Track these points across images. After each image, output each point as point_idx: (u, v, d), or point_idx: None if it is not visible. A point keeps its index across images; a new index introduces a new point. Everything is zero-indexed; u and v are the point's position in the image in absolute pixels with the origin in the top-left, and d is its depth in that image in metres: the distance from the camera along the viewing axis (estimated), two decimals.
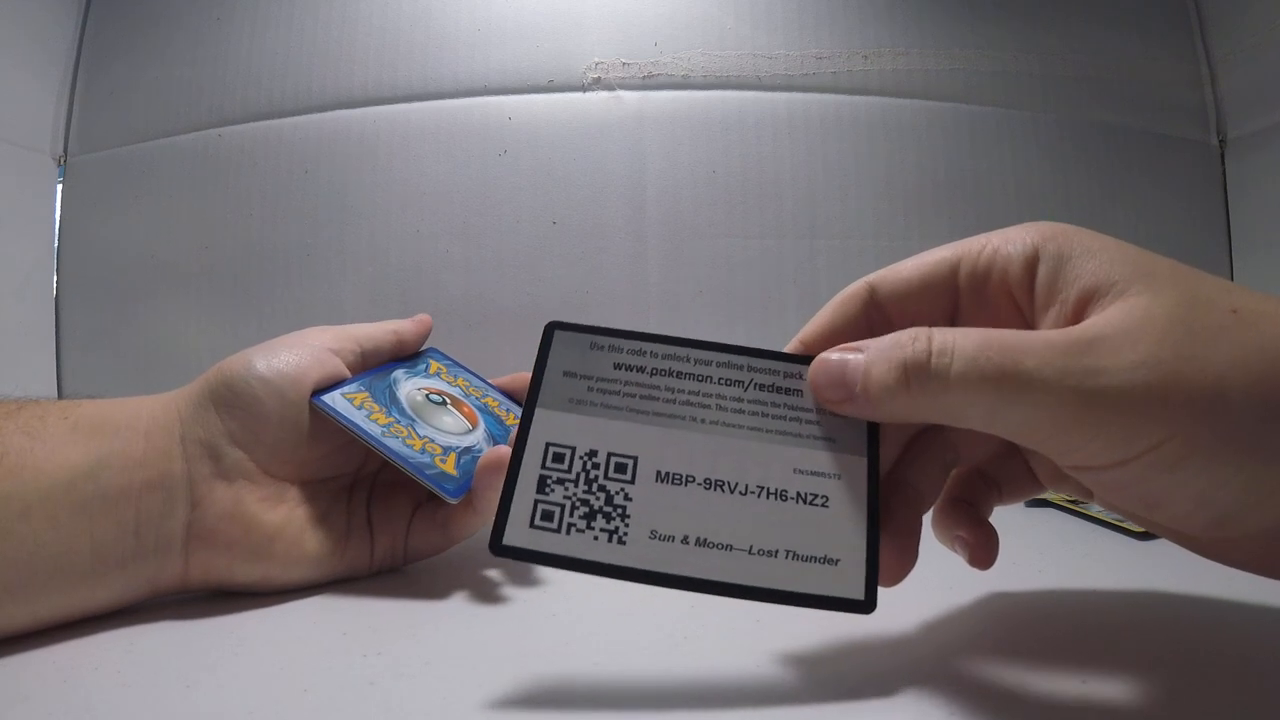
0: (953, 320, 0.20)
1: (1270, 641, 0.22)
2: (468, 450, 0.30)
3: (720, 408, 0.20)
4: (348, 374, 0.30)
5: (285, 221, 0.50)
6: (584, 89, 0.50)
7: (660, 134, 0.49)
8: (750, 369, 0.21)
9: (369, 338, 0.32)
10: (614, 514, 0.19)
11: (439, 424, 0.31)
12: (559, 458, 0.19)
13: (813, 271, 0.49)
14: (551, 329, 0.21)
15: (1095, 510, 0.36)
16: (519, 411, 0.36)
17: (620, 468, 0.19)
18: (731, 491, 0.19)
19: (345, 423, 0.27)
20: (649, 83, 0.50)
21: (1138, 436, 0.15)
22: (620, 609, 0.25)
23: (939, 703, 0.18)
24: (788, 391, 0.20)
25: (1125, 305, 0.16)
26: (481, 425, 0.32)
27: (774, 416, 0.20)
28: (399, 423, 0.29)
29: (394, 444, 0.28)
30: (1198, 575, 0.28)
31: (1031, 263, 0.18)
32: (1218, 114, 0.55)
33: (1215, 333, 0.15)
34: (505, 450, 0.28)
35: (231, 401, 0.26)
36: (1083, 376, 0.15)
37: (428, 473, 0.28)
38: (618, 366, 0.21)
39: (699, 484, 0.19)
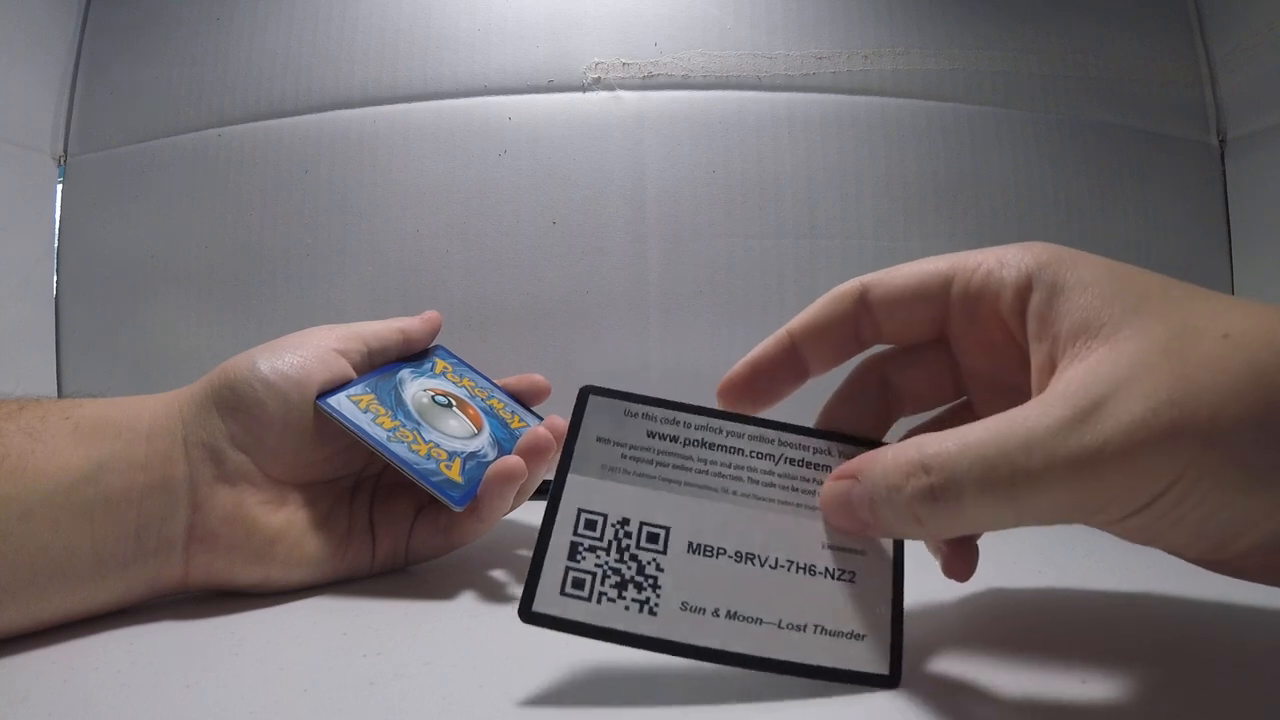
0: (941, 332, 0.21)
1: (1270, 641, 0.22)
2: (473, 456, 0.30)
3: (752, 480, 0.20)
4: (353, 375, 0.30)
5: (285, 221, 0.50)
6: (584, 89, 0.50)
7: (660, 134, 0.49)
8: (781, 443, 0.21)
9: (375, 336, 0.32)
10: (645, 584, 0.19)
11: (444, 428, 0.30)
12: (591, 524, 0.19)
13: (813, 272, 0.49)
14: (586, 394, 0.21)
15: None
16: (524, 414, 0.36)
17: (652, 537, 0.19)
18: (762, 565, 0.19)
19: (351, 427, 0.27)
20: (649, 83, 0.50)
21: (1146, 489, 0.15)
22: None
23: (938, 702, 0.18)
24: (817, 467, 0.21)
25: (1116, 351, 0.16)
26: (486, 429, 0.32)
27: (803, 491, 0.20)
28: (404, 426, 0.29)
29: (399, 449, 0.28)
30: (1198, 576, 0.28)
31: (1024, 291, 0.18)
32: (1218, 114, 0.55)
33: (1208, 364, 0.15)
34: (514, 461, 0.28)
35: (234, 404, 0.26)
36: (1089, 455, 0.15)
37: (433, 479, 0.28)
38: (651, 435, 0.21)
39: (730, 556, 0.19)
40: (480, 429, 0.32)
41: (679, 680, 0.19)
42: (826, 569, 0.19)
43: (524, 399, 0.37)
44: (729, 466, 0.21)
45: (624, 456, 0.20)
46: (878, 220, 0.50)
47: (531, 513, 0.36)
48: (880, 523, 0.18)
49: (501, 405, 0.35)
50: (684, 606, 0.18)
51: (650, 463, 0.20)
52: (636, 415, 0.21)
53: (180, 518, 0.25)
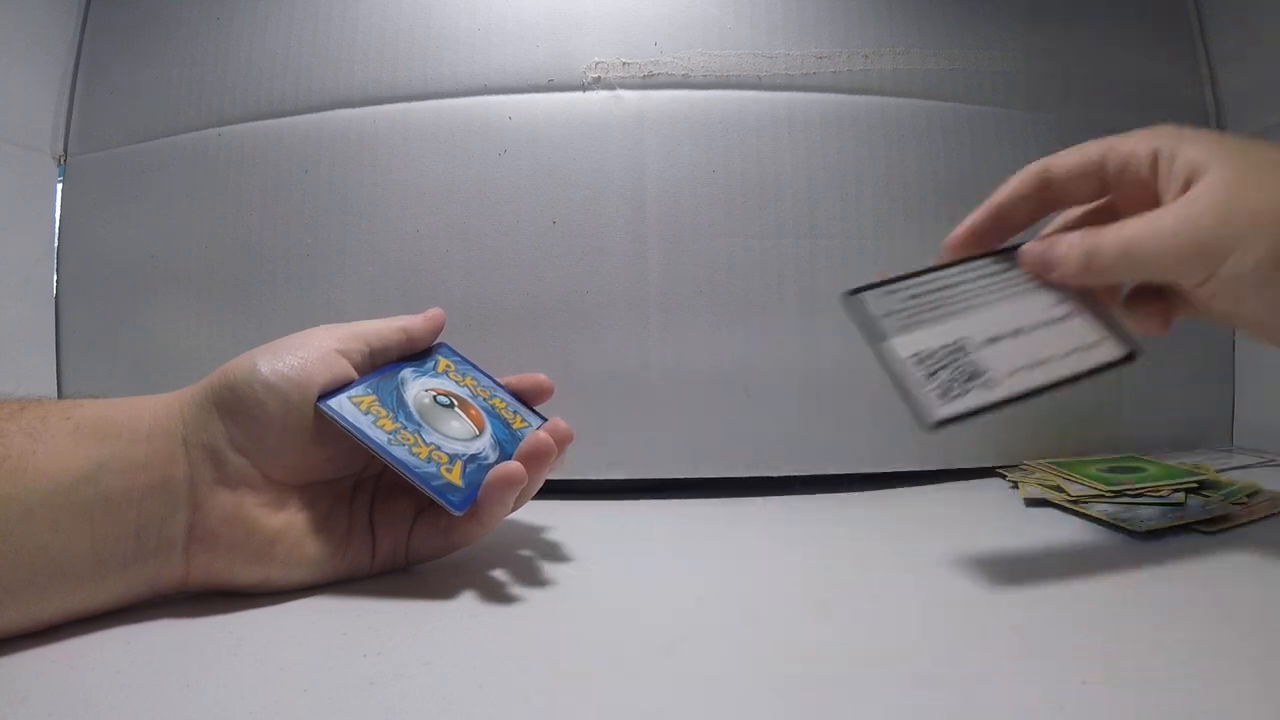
0: (1102, 193, 0.30)
1: (1270, 640, 0.22)
2: (474, 458, 0.30)
3: (987, 291, 0.31)
4: (355, 375, 0.30)
5: (285, 221, 0.50)
6: (584, 89, 0.50)
7: (660, 134, 0.49)
8: (988, 264, 0.32)
9: (377, 336, 0.31)
10: (977, 374, 0.28)
11: (446, 429, 0.30)
12: (921, 359, 0.28)
13: (813, 272, 0.49)
14: (857, 293, 0.31)
15: (1095, 510, 0.36)
16: (526, 414, 0.36)
17: (959, 349, 0.29)
18: (1027, 332, 0.29)
19: (351, 429, 0.27)
20: (649, 82, 0.50)
21: (1212, 257, 0.24)
22: (620, 609, 0.25)
23: (937, 702, 0.18)
24: (1012, 268, 0.31)
25: (1205, 180, 0.25)
26: (488, 430, 0.32)
27: (1016, 283, 0.31)
28: (405, 429, 0.29)
29: (400, 452, 0.28)
30: (1198, 575, 0.28)
31: (1154, 160, 0.27)
32: (1218, 114, 0.55)
33: (1261, 177, 0.24)
34: (514, 468, 0.28)
35: (235, 406, 0.26)
36: (1190, 224, 0.25)
37: (433, 483, 0.28)
38: (913, 296, 0.31)
39: (1008, 335, 0.29)
40: (482, 430, 0.32)
41: (679, 681, 0.19)
42: (1057, 318, 0.29)
43: (527, 398, 0.37)
44: (969, 292, 0.31)
45: (907, 316, 0.30)
46: (878, 220, 0.50)
47: (534, 512, 0.36)
48: (1065, 269, 0.29)
49: (504, 405, 0.35)
50: (1007, 374, 0.28)
51: (923, 310, 0.30)
52: (894, 291, 0.31)
53: (180, 518, 0.25)
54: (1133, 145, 0.28)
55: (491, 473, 0.28)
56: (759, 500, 0.44)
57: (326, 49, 0.51)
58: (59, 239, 0.52)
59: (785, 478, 0.47)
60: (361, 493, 0.30)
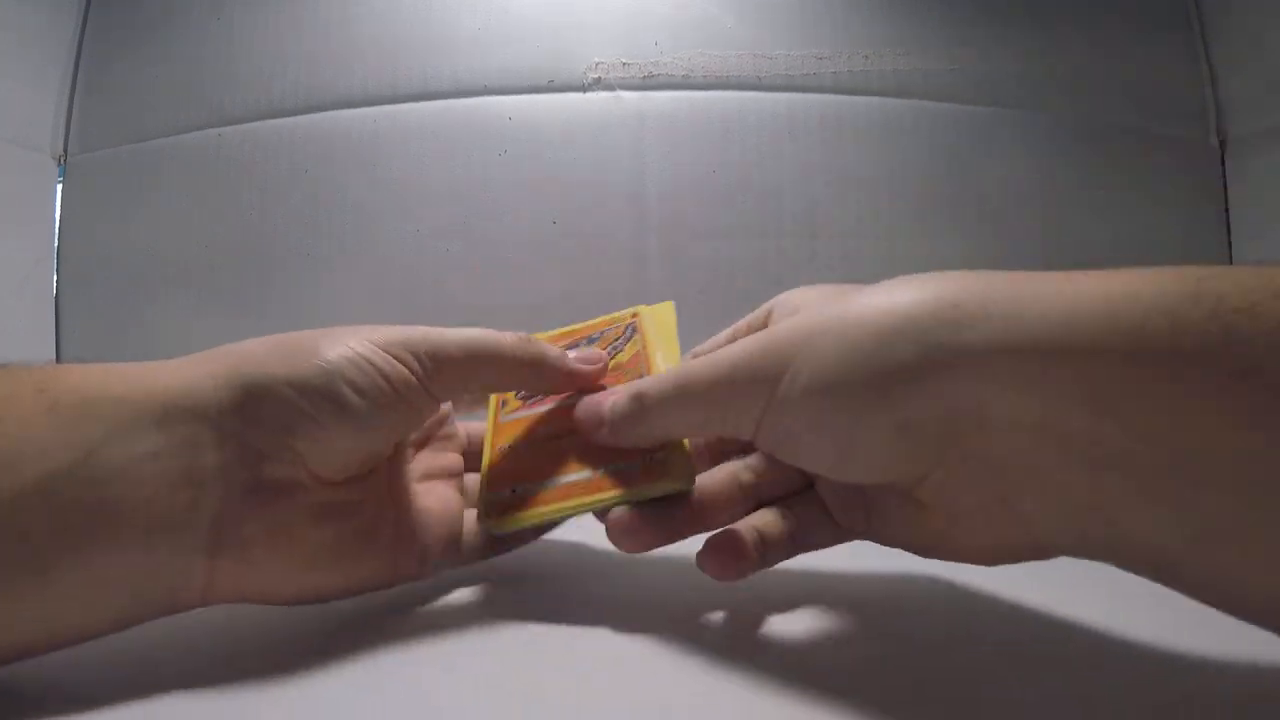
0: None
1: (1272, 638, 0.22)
2: None
3: None
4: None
5: (285, 221, 0.50)
6: (584, 89, 0.50)
7: (660, 134, 0.49)
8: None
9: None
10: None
11: None
12: None
13: (812, 272, 0.49)
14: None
15: None
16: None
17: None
18: None
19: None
20: (649, 83, 0.50)
21: (750, 410, 0.21)
22: (620, 608, 0.25)
23: (935, 701, 0.18)
24: None
25: (767, 330, 0.21)
26: None
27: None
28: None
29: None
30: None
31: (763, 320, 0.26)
32: (1218, 114, 0.55)
33: (808, 334, 0.20)
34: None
35: (300, 411, 0.21)
36: (694, 382, 0.22)
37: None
38: None
39: None
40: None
41: (676, 679, 0.19)
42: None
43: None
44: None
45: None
46: (878, 220, 0.50)
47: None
48: (614, 433, 0.24)
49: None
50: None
51: None
52: None
53: (201, 525, 0.19)
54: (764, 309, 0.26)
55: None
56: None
57: (327, 49, 0.51)
58: (59, 239, 0.52)
59: None
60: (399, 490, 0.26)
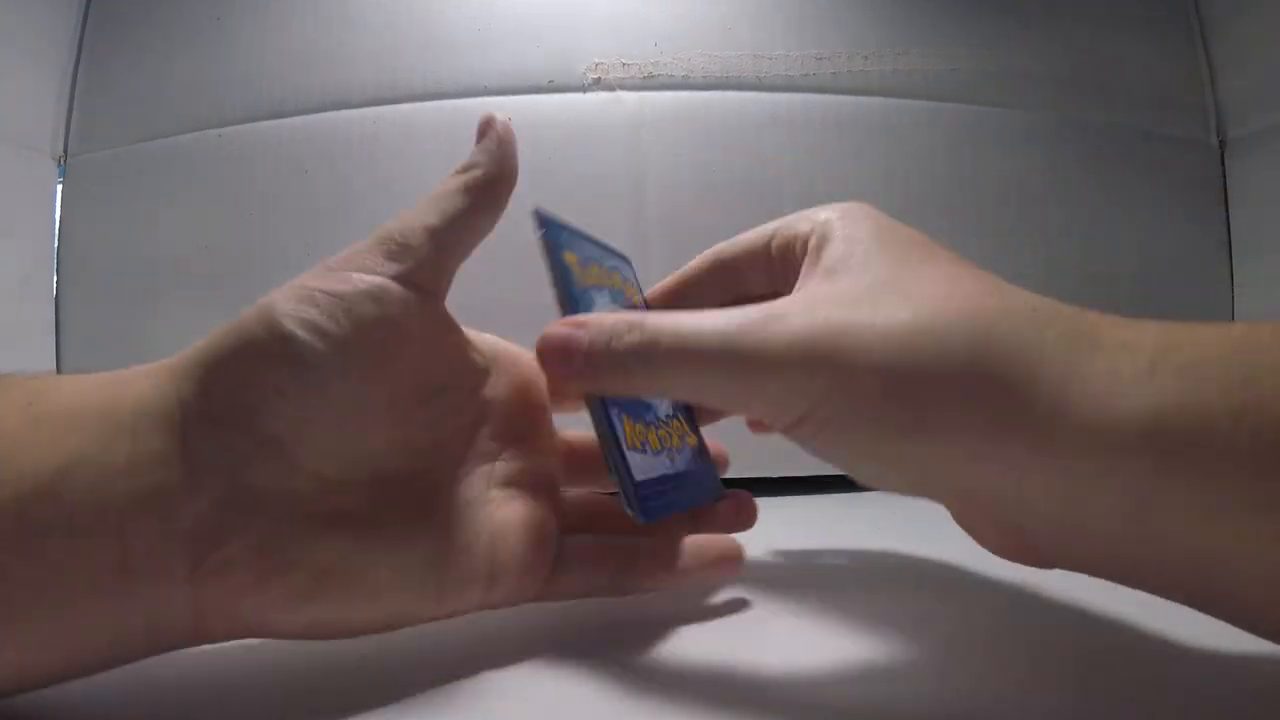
0: (770, 284, 0.24)
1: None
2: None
3: None
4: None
5: (285, 221, 0.50)
6: (584, 89, 0.50)
7: (660, 134, 0.49)
8: None
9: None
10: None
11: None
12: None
13: None
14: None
15: None
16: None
17: None
18: None
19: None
20: (649, 83, 0.50)
21: (794, 403, 0.17)
22: (617, 608, 0.25)
23: (934, 702, 0.18)
24: None
25: (825, 287, 0.19)
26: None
27: None
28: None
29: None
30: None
31: (806, 241, 0.21)
32: (1218, 114, 0.55)
33: (877, 314, 0.17)
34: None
35: (276, 362, 0.18)
36: (745, 351, 0.17)
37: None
38: None
39: None
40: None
41: (675, 680, 0.19)
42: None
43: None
44: None
45: None
46: None
47: None
48: (594, 370, 0.19)
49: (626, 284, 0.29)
50: None
51: None
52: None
53: (175, 548, 0.16)
54: (801, 220, 0.22)
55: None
56: (758, 500, 0.44)
57: (327, 49, 0.51)
58: (59, 239, 0.52)
59: (785, 478, 0.47)
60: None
